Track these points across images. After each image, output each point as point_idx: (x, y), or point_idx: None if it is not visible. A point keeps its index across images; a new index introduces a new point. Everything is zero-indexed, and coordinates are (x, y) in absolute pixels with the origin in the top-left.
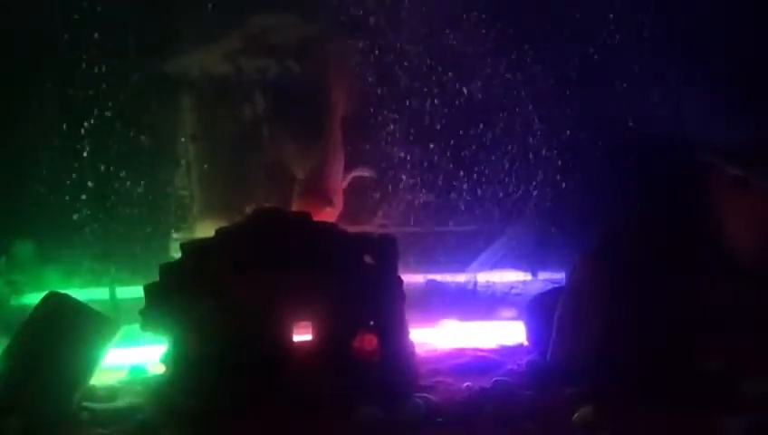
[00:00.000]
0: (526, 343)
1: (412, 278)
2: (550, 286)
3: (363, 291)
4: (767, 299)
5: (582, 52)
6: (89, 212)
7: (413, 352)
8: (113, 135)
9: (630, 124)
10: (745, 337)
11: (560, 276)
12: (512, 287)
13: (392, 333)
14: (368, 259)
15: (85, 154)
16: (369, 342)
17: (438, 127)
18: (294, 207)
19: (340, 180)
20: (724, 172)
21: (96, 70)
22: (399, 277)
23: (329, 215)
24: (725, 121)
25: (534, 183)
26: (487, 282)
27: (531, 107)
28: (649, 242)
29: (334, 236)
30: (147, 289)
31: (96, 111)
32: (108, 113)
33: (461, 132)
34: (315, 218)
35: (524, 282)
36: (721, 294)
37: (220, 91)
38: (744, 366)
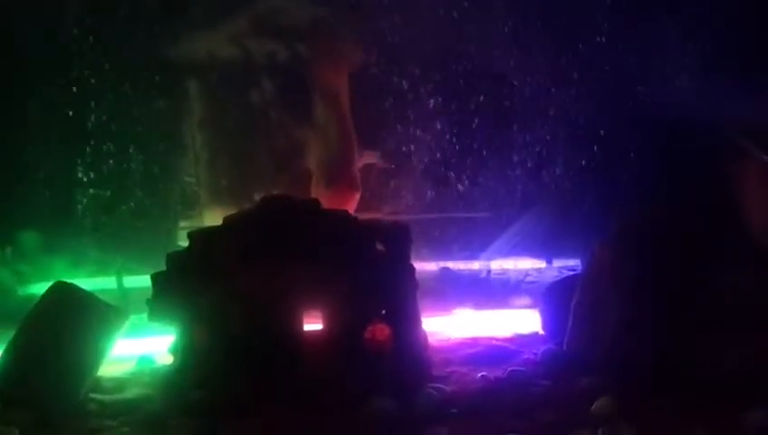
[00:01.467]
0: (542, 331)
1: (425, 266)
2: (565, 274)
3: (375, 280)
4: None
5: (598, 33)
6: (95, 201)
7: (426, 342)
8: (119, 122)
9: (650, 107)
10: None
11: (575, 263)
12: (526, 275)
13: (405, 323)
14: (379, 247)
15: (91, 142)
16: (381, 331)
17: (451, 113)
18: (318, 196)
19: (357, 166)
20: (756, 159)
21: (101, 55)
22: (412, 265)
23: (352, 203)
24: (753, 103)
25: (550, 169)
26: (501, 269)
27: (546, 91)
28: (672, 229)
29: (345, 224)
30: (154, 278)
31: (101, 98)
32: (114, 100)
33: (475, 118)
34: (344, 207)
35: (539, 269)
36: (747, 285)
37: (227, 75)
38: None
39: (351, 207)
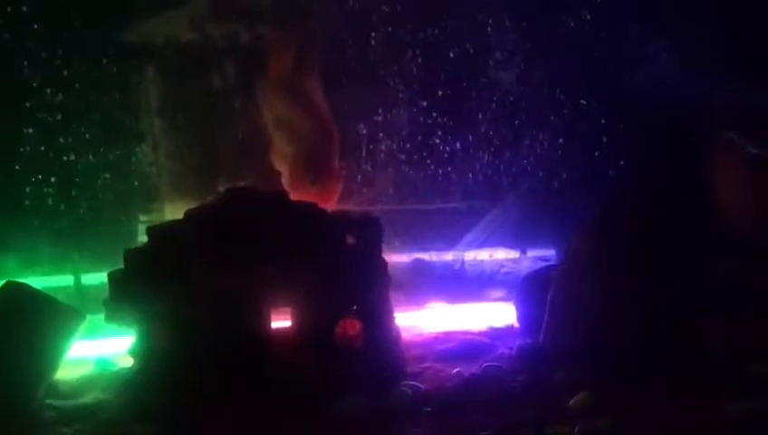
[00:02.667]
0: (517, 324)
1: (397, 258)
2: (540, 264)
3: (345, 274)
4: None
5: (573, 18)
6: (49, 194)
7: (399, 338)
8: (72, 111)
9: (627, 92)
10: (751, 318)
11: (550, 253)
12: (501, 266)
13: (377, 319)
14: (350, 240)
15: (42, 132)
16: (352, 327)
17: (423, 99)
18: (300, 192)
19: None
20: (740, 149)
21: (49, 40)
22: (383, 259)
23: (335, 195)
24: (733, 92)
25: (523, 158)
26: (475, 260)
27: (520, 80)
28: (650, 217)
29: (313, 216)
30: (111, 277)
31: (51, 85)
32: (65, 87)
33: (447, 105)
34: (328, 201)
35: (514, 260)
36: (727, 274)
37: (186, 60)
38: (748, 348)
39: (334, 199)
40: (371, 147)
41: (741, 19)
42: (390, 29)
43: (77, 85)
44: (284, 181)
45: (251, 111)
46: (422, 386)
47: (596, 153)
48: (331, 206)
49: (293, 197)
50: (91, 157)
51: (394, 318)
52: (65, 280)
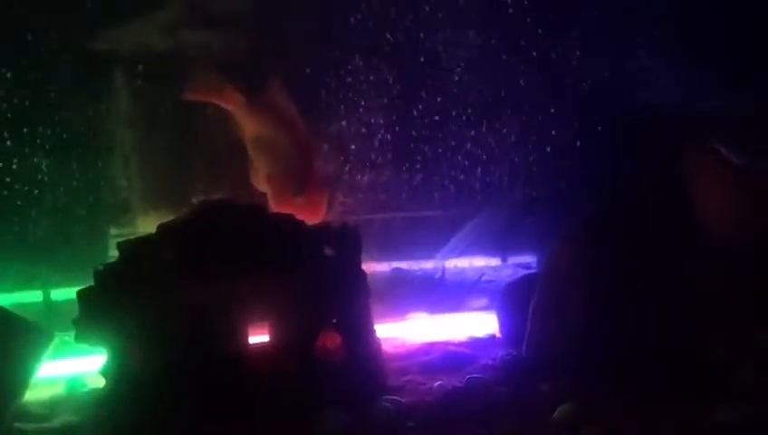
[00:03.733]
0: (499, 334)
1: (377, 267)
2: (522, 272)
3: (324, 287)
4: (754, 284)
5: (552, 25)
6: (16, 206)
7: (380, 351)
8: (39, 121)
9: (609, 101)
10: (736, 324)
11: (531, 260)
12: (482, 274)
13: (357, 332)
14: (328, 252)
15: (8, 143)
16: (332, 341)
17: (402, 107)
18: (284, 205)
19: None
20: (723, 159)
21: (16, 48)
22: (363, 271)
23: (324, 206)
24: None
25: (503, 166)
26: (456, 268)
27: (499, 86)
28: (634, 225)
29: (290, 228)
30: (80, 296)
31: (18, 93)
32: (33, 96)
33: (426, 114)
34: (317, 212)
35: (495, 268)
36: (712, 280)
37: (158, 68)
38: (735, 355)
39: (323, 210)
40: (348, 155)
41: (721, 23)
42: (366, 34)
43: (44, 94)
44: (269, 198)
45: (224, 121)
46: (404, 400)
47: (576, 161)
48: (321, 217)
49: (279, 210)
50: (59, 168)
51: (375, 330)
52: (34, 296)
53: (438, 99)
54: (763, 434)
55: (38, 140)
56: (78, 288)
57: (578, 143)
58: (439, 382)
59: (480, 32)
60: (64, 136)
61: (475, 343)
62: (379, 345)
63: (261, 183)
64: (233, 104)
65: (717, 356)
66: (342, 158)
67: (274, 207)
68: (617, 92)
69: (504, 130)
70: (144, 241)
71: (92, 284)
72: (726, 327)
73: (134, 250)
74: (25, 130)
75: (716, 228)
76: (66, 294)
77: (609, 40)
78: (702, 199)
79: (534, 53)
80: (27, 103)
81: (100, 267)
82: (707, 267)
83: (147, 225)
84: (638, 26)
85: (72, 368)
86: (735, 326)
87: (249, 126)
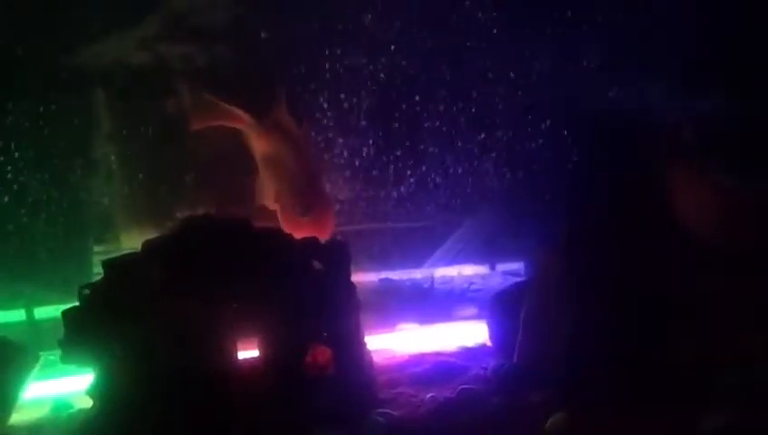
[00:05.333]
0: (489, 343)
1: (365, 278)
2: (511, 280)
3: (313, 301)
4: (741, 289)
5: (535, 32)
6: None
7: (371, 364)
8: (23, 137)
9: (592, 111)
10: (723, 331)
11: (518, 267)
12: (470, 283)
13: (348, 345)
14: (317, 265)
15: None
16: (322, 355)
17: (389, 118)
18: (292, 224)
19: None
20: (709, 172)
21: None
22: (352, 284)
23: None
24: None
25: (489, 174)
26: (444, 277)
27: (484, 94)
28: (620, 235)
29: (278, 243)
30: (65, 316)
31: None
32: (15, 110)
33: (411, 123)
34: (324, 229)
35: (483, 276)
36: (700, 286)
37: (139, 83)
38: (722, 362)
39: (330, 228)
40: (335, 167)
41: (707, 28)
42: (351, 49)
43: (26, 110)
44: (278, 216)
45: (209, 136)
46: (396, 413)
47: (562, 168)
48: (328, 234)
49: (288, 231)
50: (41, 185)
51: (365, 343)
52: (17, 315)
53: (424, 112)
54: None
55: (20, 157)
56: (62, 307)
57: (566, 153)
58: (431, 394)
59: (462, 42)
60: (47, 152)
61: (466, 353)
62: (371, 358)
63: (270, 201)
64: (240, 124)
65: (705, 363)
66: (328, 170)
67: (284, 225)
68: (606, 103)
69: (489, 142)
70: (130, 259)
71: (78, 303)
72: (713, 334)
73: (120, 268)
74: (7, 146)
75: (701, 236)
76: (50, 312)
77: (592, 49)
78: (684, 208)
79: (525, 62)
80: (9, 120)
81: (86, 287)
82: (693, 275)
83: (131, 241)
84: (623, 36)
85: (57, 389)
86: (722, 333)
87: (257, 145)
